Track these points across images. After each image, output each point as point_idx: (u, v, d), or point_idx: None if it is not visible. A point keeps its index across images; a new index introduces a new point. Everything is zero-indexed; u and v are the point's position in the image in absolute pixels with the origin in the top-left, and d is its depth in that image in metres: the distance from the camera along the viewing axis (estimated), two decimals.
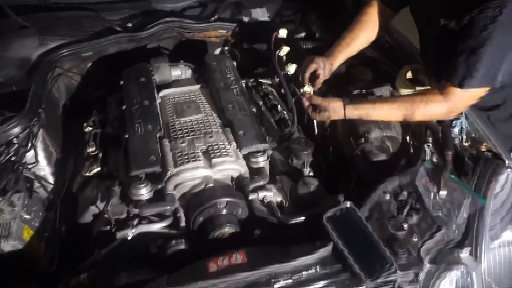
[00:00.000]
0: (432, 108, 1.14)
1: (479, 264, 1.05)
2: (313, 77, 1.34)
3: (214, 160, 1.11)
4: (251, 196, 1.09)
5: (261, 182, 1.12)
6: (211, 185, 1.08)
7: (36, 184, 1.18)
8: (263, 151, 1.18)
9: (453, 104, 1.12)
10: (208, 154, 1.14)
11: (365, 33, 1.38)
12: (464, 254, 1.04)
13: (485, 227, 1.07)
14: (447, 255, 1.02)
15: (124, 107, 1.27)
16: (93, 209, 1.11)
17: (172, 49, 1.73)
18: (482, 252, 1.05)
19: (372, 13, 1.37)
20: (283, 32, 1.39)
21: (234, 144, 1.18)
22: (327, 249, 0.95)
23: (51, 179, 1.25)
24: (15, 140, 1.15)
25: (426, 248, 1.02)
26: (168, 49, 1.73)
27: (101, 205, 1.11)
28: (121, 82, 1.38)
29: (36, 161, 1.19)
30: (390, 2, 1.35)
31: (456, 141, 1.25)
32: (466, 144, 1.27)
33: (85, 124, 1.34)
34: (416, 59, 1.52)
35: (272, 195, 1.11)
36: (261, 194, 1.10)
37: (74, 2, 1.58)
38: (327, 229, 0.96)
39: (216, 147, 1.16)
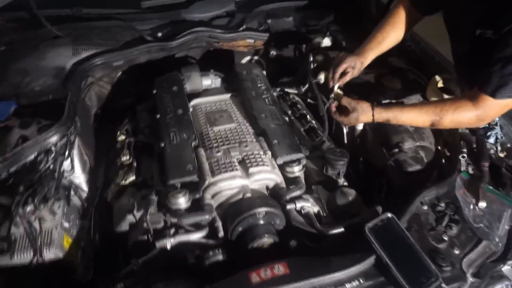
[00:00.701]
0: (461, 115, 1.13)
1: None
2: (342, 74, 1.34)
3: (251, 170, 1.11)
4: (288, 206, 1.09)
5: (298, 192, 1.11)
6: (248, 194, 1.08)
7: (71, 192, 1.18)
8: (298, 161, 1.18)
9: (484, 112, 1.11)
10: (244, 164, 1.14)
11: (395, 32, 1.37)
12: (507, 268, 1.02)
13: None
14: (490, 268, 1.00)
15: (158, 116, 1.28)
16: (130, 218, 1.11)
17: (200, 58, 1.75)
18: None
19: (402, 13, 1.37)
20: (326, 41, 1.39)
21: (269, 153, 1.18)
22: (369, 261, 0.94)
23: (85, 187, 1.25)
24: (53, 148, 1.15)
25: (468, 261, 1.00)
26: (196, 58, 1.74)
27: (138, 214, 1.11)
28: (154, 91, 1.39)
29: (72, 169, 1.19)
30: (421, 6, 1.35)
31: (491, 151, 1.24)
32: (501, 154, 1.25)
33: (118, 133, 1.35)
34: (443, 69, 1.51)
35: (310, 205, 1.10)
36: (298, 204, 1.09)
37: (105, 12, 1.61)
38: (370, 240, 0.95)
39: (252, 156, 1.16)
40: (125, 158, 1.27)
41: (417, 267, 0.92)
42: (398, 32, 1.37)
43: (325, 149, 1.25)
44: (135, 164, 1.26)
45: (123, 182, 1.20)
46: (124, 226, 1.12)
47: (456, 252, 1.00)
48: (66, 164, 1.18)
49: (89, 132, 1.39)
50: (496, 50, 1.06)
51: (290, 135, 1.24)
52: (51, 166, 1.11)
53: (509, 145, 1.27)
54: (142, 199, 1.13)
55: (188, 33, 1.55)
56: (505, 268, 1.02)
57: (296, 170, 1.17)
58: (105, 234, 1.19)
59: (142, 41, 1.54)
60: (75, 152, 1.22)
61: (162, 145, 1.19)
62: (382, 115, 1.20)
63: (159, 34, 1.59)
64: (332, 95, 1.32)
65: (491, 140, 1.26)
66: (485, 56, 1.09)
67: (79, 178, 1.23)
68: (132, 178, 1.21)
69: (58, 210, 1.04)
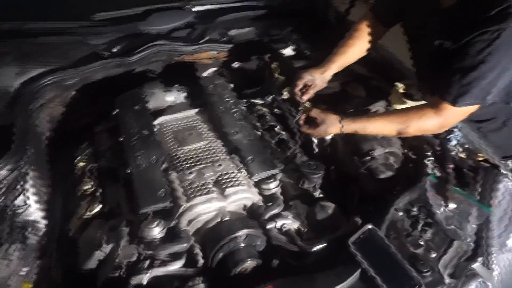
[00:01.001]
0: (424, 123, 1.18)
1: (492, 273, 1.08)
2: (307, 89, 1.36)
3: (227, 191, 1.06)
4: (268, 225, 1.06)
5: (276, 210, 1.09)
6: (227, 217, 1.03)
7: (27, 231, 1.06)
8: (274, 177, 1.15)
9: (445, 119, 1.17)
10: (219, 184, 1.09)
11: (360, 43, 1.41)
12: (477, 265, 1.07)
13: (493, 236, 1.11)
14: (464, 268, 1.04)
15: (122, 139, 1.19)
16: (98, 253, 1.01)
17: (162, 72, 1.66)
18: (493, 261, 1.08)
19: (366, 26, 1.41)
20: (288, 51, 1.38)
21: (244, 171, 1.14)
22: (355, 275, 0.94)
23: (42, 222, 1.12)
24: (2, 184, 1.02)
25: (444, 263, 1.03)
26: (156, 72, 1.66)
27: (107, 248, 1.01)
28: (115, 111, 1.29)
29: (27, 204, 1.07)
30: (384, 18, 1.39)
31: (454, 153, 1.30)
32: (462, 155, 1.32)
33: (77, 159, 1.24)
34: (404, 75, 1.57)
35: (290, 222, 1.08)
36: (278, 222, 1.06)
37: (54, 26, 1.47)
38: (354, 254, 0.95)
39: (227, 176, 1.11)
40: (87, 186, 1.16)
41: (401, 276, 0.93)
42: (362, 44, 1.41)
43: (299, 163, 1.23)
44: (98, 193, 1.15)
45: (87, 214, 1.10)
46: (92, 263, 1.01)
47: (433, 255, 1.03)
48: (19, 199, 1.05)
49: (43, 160, 1.25)
50: (455, 60, 1.11)
51: (263, 150, 1.21)
52: (2, 205, 0.99)
53: (468, 146, 1.34)
54: (110, 231, 1.04)
55: (147, 47, 1.47)
56: (475, 265, 1.06)
57: (273, 187, 1.14)
58: (70, 272, 1.08)
59: (97, 57, 1.42)
60: (28, 185, 1.09)
61: (129, 170, 1.10)
62: (351, 126, 1.23)
63: (116, 49, 1.48)
64: (300, 108, 1.33)
65: (453, 142, 1.33)
66: (444, 65, 1.15)
67: (35, 213, 1.10)
68: (97, 208, 1.11)
69: (14, 255, 0.92)
